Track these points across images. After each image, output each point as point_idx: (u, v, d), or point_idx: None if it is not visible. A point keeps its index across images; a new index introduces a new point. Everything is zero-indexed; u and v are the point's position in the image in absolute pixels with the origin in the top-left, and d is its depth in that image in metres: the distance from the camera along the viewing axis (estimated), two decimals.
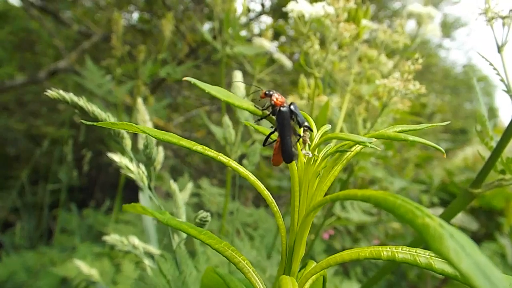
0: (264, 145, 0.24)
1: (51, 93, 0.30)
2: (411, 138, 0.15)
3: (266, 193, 0.17)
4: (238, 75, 0.49)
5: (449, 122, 0.24)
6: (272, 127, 0.25)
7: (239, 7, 0.90)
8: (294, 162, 0.17)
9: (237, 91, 0.47)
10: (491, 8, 0.35)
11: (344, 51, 0.55)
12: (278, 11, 1.93)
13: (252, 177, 0.18)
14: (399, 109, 0.61)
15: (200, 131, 2.50)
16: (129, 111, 1.62)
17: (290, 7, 0.50)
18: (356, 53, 0.57)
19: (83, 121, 0.25)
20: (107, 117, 0.31)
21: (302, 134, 0.25)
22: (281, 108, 0.23)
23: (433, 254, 0.13)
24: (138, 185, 0.41)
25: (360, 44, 0.60)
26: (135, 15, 2.40)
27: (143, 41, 2.35)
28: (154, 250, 0.40)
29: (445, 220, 0.30)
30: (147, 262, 0.40)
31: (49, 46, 2.77)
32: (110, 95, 1.14)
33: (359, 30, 0.55)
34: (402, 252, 0.13)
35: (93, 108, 0.31)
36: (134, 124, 0.21)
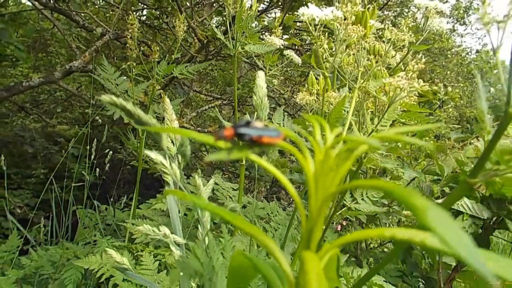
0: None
1: (104, 97, 0.33)
2: (407, 139, 0.18)
3: (292, 191, 0.20)
4: (261, 75, 0.51)
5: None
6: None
7: (249, 5, 0.93)
8: (309, 160, 0.19)
9: (259, 91, 0.50)
10: None
11: (352, 50, 0.58)
12: (287, 4, 1.94)
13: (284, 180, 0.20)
14: (407, 102, 0.64)
15: (212, 126, 2.54)
16: (142, 107, 1.66)
17: (301, 11, 0.53)
18: (363, 51, 0.59)
19: (136, 125, 0.28)
20: (149, 119, 0.34)
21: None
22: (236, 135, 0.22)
23: (428, 235, 0.16)
24: (165, 179, 0.44)
25: (366, 42, 0.62)
26: (145, 12, 2.43)
27: (153, 37, 2.39)
28: (181, 239, 0.44)
29: (445, 208, 0.33)
30: (174, 249, 0.43)
31: (62, 45, 2.82)
32: (125, 93, 1.19)
33: (366, 31, 0.58)
34: (401, 232, 0.16)
35: (138, 111, 0.34)
36: (180, 129, 0.24)
